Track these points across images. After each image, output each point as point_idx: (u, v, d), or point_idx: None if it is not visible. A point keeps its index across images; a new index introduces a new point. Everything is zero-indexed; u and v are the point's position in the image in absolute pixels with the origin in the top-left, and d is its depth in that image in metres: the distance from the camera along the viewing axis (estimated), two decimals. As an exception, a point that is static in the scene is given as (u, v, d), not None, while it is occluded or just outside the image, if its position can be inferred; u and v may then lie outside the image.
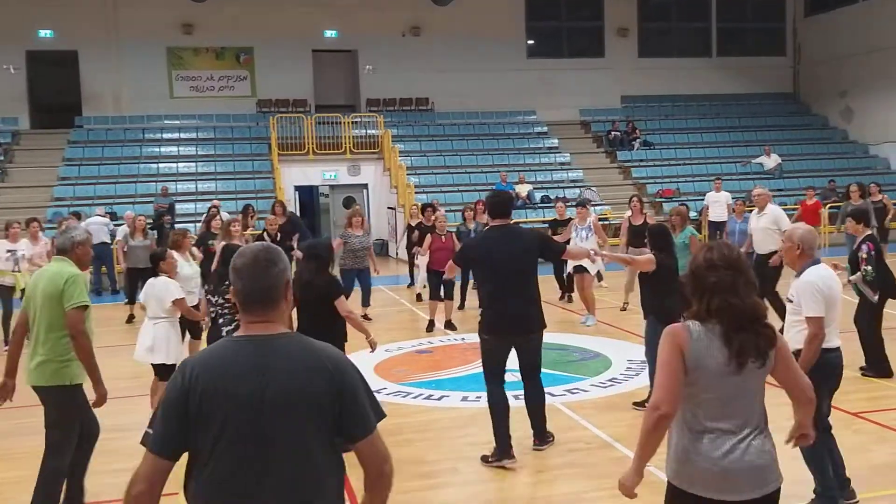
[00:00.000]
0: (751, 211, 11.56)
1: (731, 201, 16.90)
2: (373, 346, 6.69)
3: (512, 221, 5.99)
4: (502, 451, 5.81)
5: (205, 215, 15.50)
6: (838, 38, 25.87)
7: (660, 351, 3.02)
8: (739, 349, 2.94)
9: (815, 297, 4.65)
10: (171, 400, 2.39)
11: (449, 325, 11.04)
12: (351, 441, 2.44)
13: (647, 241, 7.36)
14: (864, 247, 7.49)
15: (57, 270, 4.83)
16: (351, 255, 11.64)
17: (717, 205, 17.25)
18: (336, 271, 8.19)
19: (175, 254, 7.94)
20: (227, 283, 6.84)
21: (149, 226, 15.30)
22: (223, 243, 9.30)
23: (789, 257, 4.91)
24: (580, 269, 11.09)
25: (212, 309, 6.76)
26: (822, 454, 4.79)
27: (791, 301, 4.85)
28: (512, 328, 5.82)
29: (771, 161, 23.36)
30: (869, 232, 7.80)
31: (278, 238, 11.72)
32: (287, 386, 2.38)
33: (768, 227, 10.03)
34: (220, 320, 6.74)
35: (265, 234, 11.83)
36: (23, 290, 10.37)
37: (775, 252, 9.58)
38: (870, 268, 7.37)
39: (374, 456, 2.47)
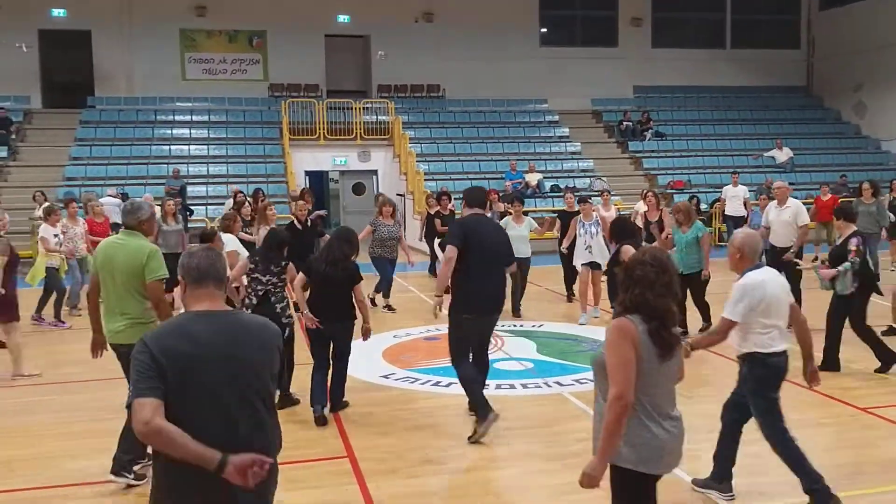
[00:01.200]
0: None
1: (748, 195, 16.89)
2: (366, 335, 6.98)
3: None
4: (485, 411, 6.12)
5: (231, 202, 15.46)
6: (853, 33, 25.67)
7: (616, 347, 3.30)
8: (661, 343, 3.31)
9: (738, 301, 4.74)
10: (145, 367, 2.72)
11: None
12: None
13: (612, 235, 7.85)
14: (853, 240, 7.74)
15: (137, 246, 5.28)
16: (379, 243, 11.62)
17: (735, 199, 17.18)
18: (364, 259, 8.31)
19: (228, 236, 8.29)
20: (281, 263, 6.88)
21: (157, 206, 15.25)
22: (270, 227, 9.43)
23: (731, 262, 4.96)
24: (593, 266, 10.98)
25: (259, 287, 6.80)
26: (797, 453, 4.79)
27: None
28: (492, 306, 6.34)
29: (783, 155, 23.25)
30: (855, 228, 7.98)
31: (308, 224, 11.60)
32: (257, 356, 2.89)
33: (790, 221, 9.92)
34: (272, 297, 6.80)
35: (295, 220, 11.57)
36: (65, 272, 10.95)
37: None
38: (858, 259, 7.61)
39: None
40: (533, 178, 20.93)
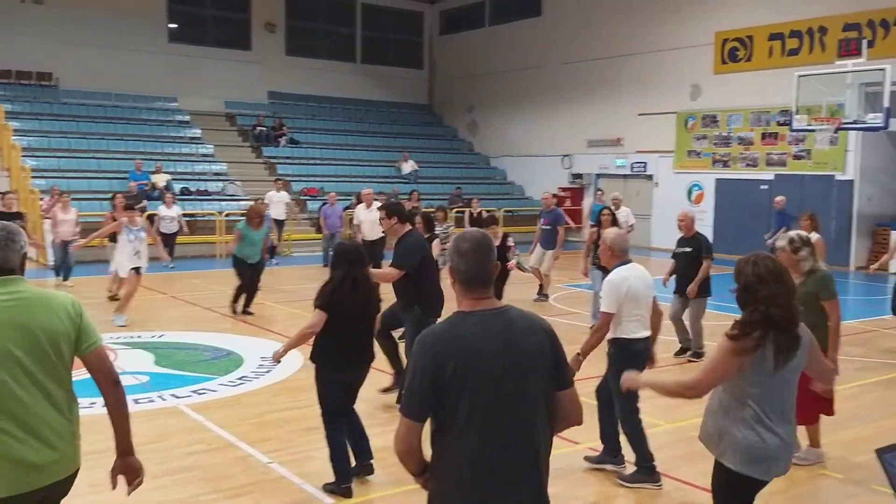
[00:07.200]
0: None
1: (289, 200, 19.59)
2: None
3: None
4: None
5: None
6: (467, 58, 28.43)
7: (722, 357, 3.49)
8: (778, 353, 3.47)
9: (608, 295, 5.24)
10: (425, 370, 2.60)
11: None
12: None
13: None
14: (510, 238, 10.88)
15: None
16: None
17: (279, 204, 18.63)
18: None
19: None
20: None
21: None
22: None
23: (604, 258, 5.54)
24: (139, 271, 10.84)
25: None
26: (640, 434, 5.38)
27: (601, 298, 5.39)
28: None
29: (408, 166, 24.85)
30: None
31: None
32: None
33: (376, 220, 11.74)
34: None
35: None
36: None
37: (384, 237, 12.84)
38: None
39: None
40: (160, 179, 19.69)
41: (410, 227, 6.83)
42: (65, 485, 3.07)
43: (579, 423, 2.79)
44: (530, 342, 2.65)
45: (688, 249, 8.93)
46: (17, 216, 11.85)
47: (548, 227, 12.80)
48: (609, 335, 5.36)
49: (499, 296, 10.23)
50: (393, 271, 6.56)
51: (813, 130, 14.67)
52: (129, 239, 10.71)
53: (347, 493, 5.07)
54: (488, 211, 13.96)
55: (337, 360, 5.12)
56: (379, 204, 13.07)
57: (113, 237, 11.81)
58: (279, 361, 5.38)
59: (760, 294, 3.41)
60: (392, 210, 6.74)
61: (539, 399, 2.66)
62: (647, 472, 5.36)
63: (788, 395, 3.51)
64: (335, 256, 5.34)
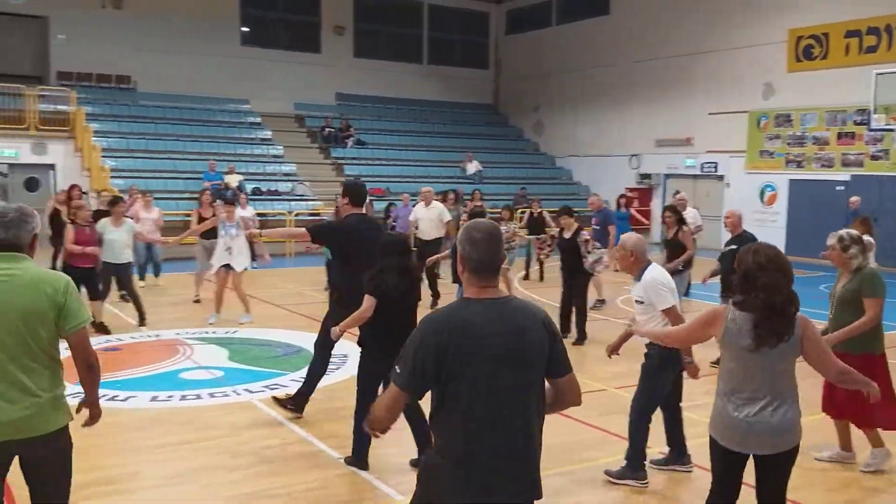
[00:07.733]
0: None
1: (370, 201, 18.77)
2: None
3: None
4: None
5: None
6: (533, 58, 28.33)
7: (702, 321, 3.84)
8: (758, 336, 3.58)
9: (665, 289, 5.15)
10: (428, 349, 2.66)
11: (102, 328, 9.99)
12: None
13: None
14: (584, 233, 10.05)
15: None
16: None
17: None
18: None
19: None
20: None
21: None
22: None
23: (625, 264, 5.33)
24: (229, 267, 10.81)
25: None
26: (642, 429, 5.34)
27: (641, 302, 5.26)
28: None
29: (472, 167, 24.91)
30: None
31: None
32: None
33: (434, 219, 12.67)
34: None
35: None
36: None
37: (440, 238, 12.44)
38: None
39: None
40: (233, 180, 20.19)
41: (361, 213, 6.33)
42: (38, 443, 3.30)
43: (577, 404, 2.94)
44: (531, 332, 2.75)
45: (734, 247, 8.69)
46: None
47: (598, 228, 13.63)
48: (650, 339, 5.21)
49: (582, 296, 9.85)
50: (301, 231, 6.54)
51: (892, 130, 14.21)
52: (220, 234, 10.71)
53: (364, 467, 5.52)
54: (551, 211, 13.88)
55: (386, 348, 5.29)
56: (437, 203, 13.14)
57: (205, 234, 11.98)
58: (338, 339, 5.83)
59: (760, 282, 3.52)
60: (347, 189, 6.47)
61: (537, 386, 2.77)
62: (633, 468, 5.36)
63: (771, 378, 3.60)
64: (385, 246, 5.50)
